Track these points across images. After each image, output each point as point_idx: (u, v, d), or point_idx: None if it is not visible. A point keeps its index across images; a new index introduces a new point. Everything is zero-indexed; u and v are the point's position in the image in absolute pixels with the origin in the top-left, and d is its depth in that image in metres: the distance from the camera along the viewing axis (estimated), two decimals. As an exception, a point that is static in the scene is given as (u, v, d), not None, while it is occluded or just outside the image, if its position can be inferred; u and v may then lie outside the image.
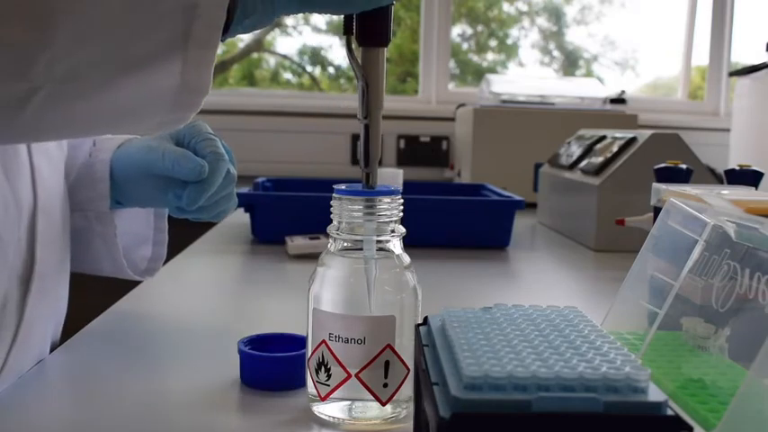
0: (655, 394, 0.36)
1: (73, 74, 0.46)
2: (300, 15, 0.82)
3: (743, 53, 2.51)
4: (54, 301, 0.70)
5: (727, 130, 2.10)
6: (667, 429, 0.35)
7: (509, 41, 2.70)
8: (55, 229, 0.68)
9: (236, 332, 0.64)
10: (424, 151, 2.28)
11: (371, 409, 0.51)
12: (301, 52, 2.65)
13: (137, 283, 0.87)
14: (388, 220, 0.52)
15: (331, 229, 0.52)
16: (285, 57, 2.69)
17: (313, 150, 2.26)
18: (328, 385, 0.50)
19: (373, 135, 0.54)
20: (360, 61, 0.53)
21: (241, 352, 0.58)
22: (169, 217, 0.82)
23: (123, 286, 0.86)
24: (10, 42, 0.43)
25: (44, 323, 0.67)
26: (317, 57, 2.65)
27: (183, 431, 0.51)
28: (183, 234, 1.02)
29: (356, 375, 0.50)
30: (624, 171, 1.26)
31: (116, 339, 0.72)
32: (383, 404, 0.50)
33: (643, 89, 2.74)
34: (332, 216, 0.52)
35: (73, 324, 0.74)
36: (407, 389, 0.51)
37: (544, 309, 0.48)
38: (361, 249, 0.51)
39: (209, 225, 1.35)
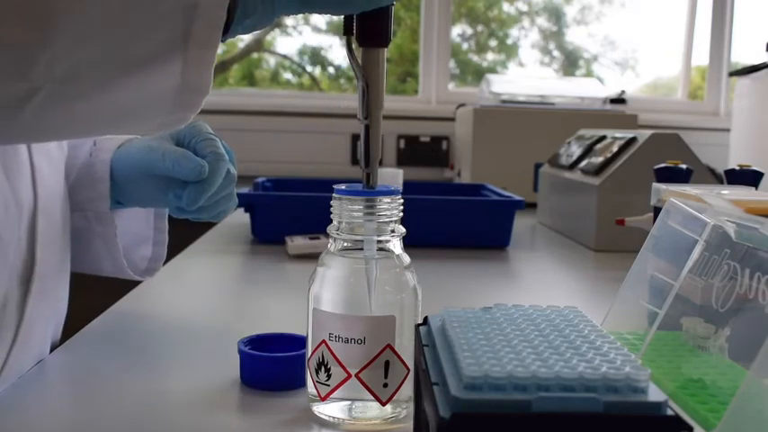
0: (655, 394, 0.36)
1: (73, 74, 0.46)
2: (300, 15, 0.82)
3: (743, 53, 2.51)
4: (54, 302, 0.70)
5: (727, 130, 2.10)
6: (667, 429, 0.35)
7: (509, 41, 2.70)
8: (55, 229, 0.68)
9: (236, 332, 0.64)
10: (424, 151, 2.28)
11: (371, 409, 0.51)
12: (301, 52, 2.65)
13: (137, 283, 0.87)
14: (388, 220, 0.52)
15: (331, 229, 0.52)
16: (285, 57, 2.69)
17: (313, 150, 2.26)
18: (328, 385, 0.50)
19: (373, 135, 0.54)
20: (360, 61, 0.53)
21: (241, 352, 0.58)
22: (169, 217, 0.82)
23: (123, 286, 0.86)
24: (10, 42, 0.43)
25: (44, 323, 0.67)
26: (317, 57, 2.65)
27: (183, 431, 0.51)
28: (183, 234, 1.02)
29: (356, 375, 0.50)
30: (624, 171, 1.26)
31: (116, 339, 0.72)
32: (383, 404, 0.50)
33: (643, 89, 2.74)
34: (332, 216, 0.52)
35: (73, 324, 0.74)
36: (407, 389, 0.51)
37: (544, 309, 0.48)
38: (362, 249, 0.51)
39: (209, 225, 1.35)
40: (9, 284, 0.61)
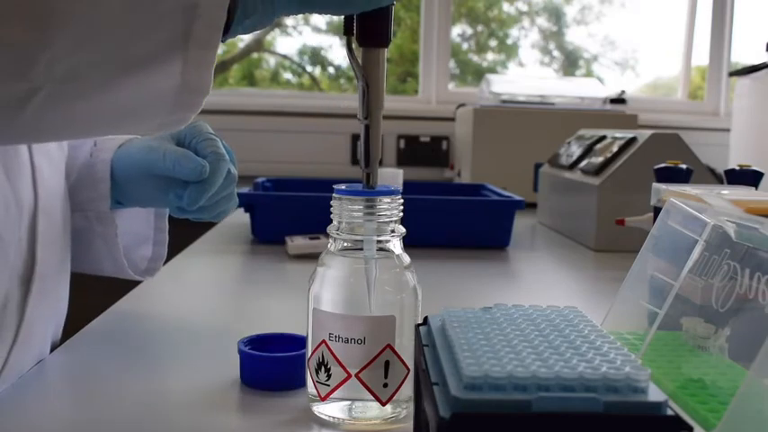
0: (655, 394, 0.36)
1: (73, 74, 0.46)
2: (300, 15, 0.82)
3: (743, 53, 2.51)
4: (55, 302, 0.70)
5: (727, 130, 2.10)
6: (667, 429, 0.35)
7: (509, 41, 2.70)
8: (56, 229, 0.68)
9: (236, 332, 0.64)
10: (424, 151, 2.28)
11: (371, 409, 0.51)
12: (301, 52, 2.65)
13: (137, 283, 0.87)
14: (388, 220, 0.52)
15: (331, 229, 0.52)
16: (285, 57, 2.69)
17: (313, 150, 2.26)
18: (328, 385, 0.50)
19: (373, 135, 0.54)
20: (360, 61, 0.53)
21: (241, 352, 0.58)
22: (169, 217, 0.82)
23: (123, 286, 0.86)
24: (10, 42, 0.43)
25: (45, 323, 0.67)
26: (317, 57, 2.65)
27: (183, 431, 0.51)
28: (183, 234, 1.02)
29: (356, 375, 0.50)
30: (624, 171, 1.26)
31: (116, 339, 0.72)
32: (383, 404, 0.50)
33: (643, 89, 2.74)
34: (332, 216, 0.52)
35: (73, 324, 0.74)
36: (407, 389, 0.51)
37: (544, 309, 0.48)
38: (361, 249, 0.51)
39: (209, 225, 1.35)
40: (9, 284, 0.61)
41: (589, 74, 2.67)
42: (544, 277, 1.11)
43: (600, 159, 1.33)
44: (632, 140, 1.30)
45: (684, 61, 2.57)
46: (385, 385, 0.50)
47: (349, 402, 0.51)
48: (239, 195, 0.77)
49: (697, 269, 0.54)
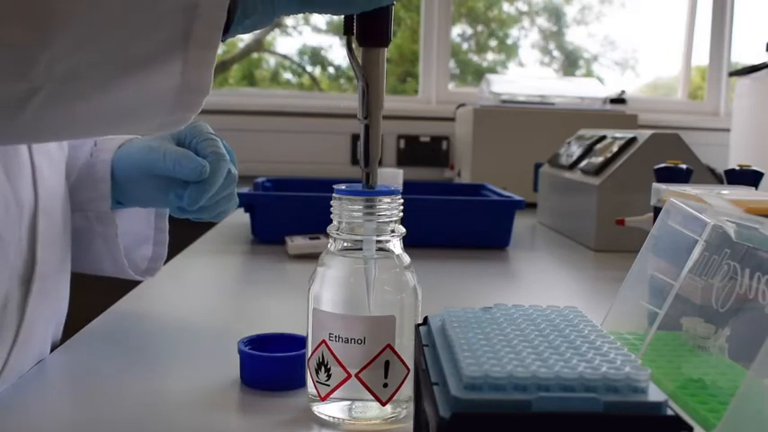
0: (655, 394, 0.36)
1: (73, 74, 0.46)
2: (300, 15, 0.82)
3: (743, 53, 2.51)
4: (55, 302, 0.70)
5: (727, 130, 2.10)
6: (667, 429, 0.35)
7: (509, 41, 2.70)
8: (56, 229, 0.68)
9: (236, 332, 0.64)
10: (424, 151, 2.28)
11: (371, 409, 0.51)
12: (301, 52, 2.65)
13: (137, 283, 0.87)
14: (388, 220, 0.52)
15: (331, 229, 0.52)
16: (285, 57, 2.69)
17: (313, 150, 2.26)
18: (328, 385, 0.50)
19: (373, 135, 0.54)
20: (360, 61, 0.53)
21: (241, 352, 0.58)
22: (169, 217, 0.82)
23: (123, 286, 0.86)
24: (10, 42, 0.43)
25: (45, 323, 0.67)
26: (317, 57, 2.65)
27: (183, 431, 0.51)
28: (183, 234, 1.02)
29: (356, 375, 0.50)
30: (624, 171, 1.26)
31: (116, 339, 0.72)
32: (383, 404, 0.50)
33: (643, 89, 2.74)
34: (332, 216, 0.52)
35: (73, 324, 0.74)
36: (407, 389, 0.51)
37: (544, 309, 0.48)
38: (361, 249, 0.51)
39: (209, 225, 1.35)
40: (10, 284, 0.61)
41: (589, 74, 2.67)
42: (544, 277, 1.11)
43: (600, 159, 1.33)
44: (632, 140, 1.30)
45: (684, 61, 2.57)
46: (385, 385, 0.50)
47: (349, 402, 0.51)
48: (239, 195, 0.77)
49: (697, 269, 0.54)
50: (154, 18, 0.46)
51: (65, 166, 0.72)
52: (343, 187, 0.52)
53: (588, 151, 1.42)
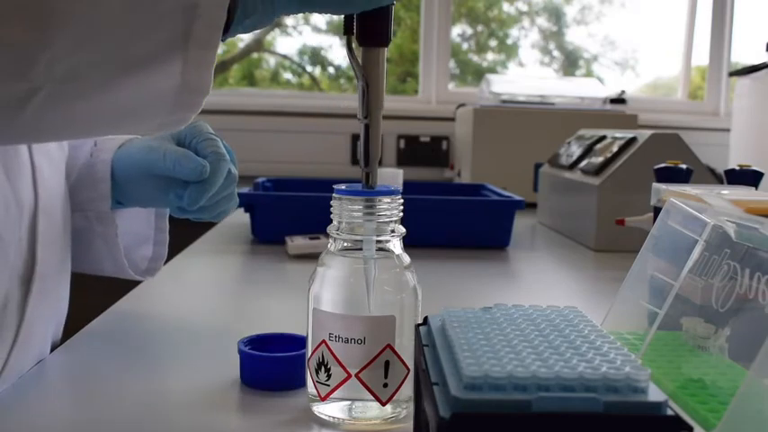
0: (655, 394, 0.36)
1: (73, 74, 0.46)
2: (300, 15, 0.82)
3: (743, 53, 2.51)
4: (55, 302, 0.70)
5: (727, 130, 2.10)
6: (667, 429, 0.35)
7: (509, 41, 2.70)
8: (56, 229, 0.68)
9: (236, 332, 0.64)
10: (424, 151, 2.28)
11: (371, 409, 0.51)
12: (301, 52, 2.65)
13: (137, 283, 0.87)
14: (388, 220, 0.52)
15: (331, 229, 0.52)
16: (285, 57, 2.69)
17: (313, 150, 2.26)
18: (328, 385, 0.50)
19: (373, 135, 0.54)
20: (360, 61, 0.53)
21: (241, 352, 0.58)
22: (169, 217, 0.82)
23: (123, 286, 0.86)
24: (10, 42, 0.43)
25: (45, 323, 0.67)
26: (317, 57, 2.65)
27: (183, 431, 0.51)
28: (183, 234, 1.02)
29: (356, 375, 0.50)
30: (624, 171, 1.26)
31: (116, 339, 0.72)
32: (383, 404, 0.50)
33: (643, 89, 2.74)
34: (332, 216, 0.52)
35: (74, 324, 0.74)
36: (407, 389, 0.51)
37: (544, 309, 0.48)
38: (361, 249, 0.51)
39: (209, 225, 1.35)
40: (10, 284, 0.61)
41: (589, 74, 2.67)
42: (544, 277, 1.11)
43: (600, 159, 1.33)
44: (632, 140, 1.30)
45: (684, 61, 2.57)
46: (385, 385, 0.50)
47: (349, 402, 0.51)
48: (239, 195, 0.77)
49: (697, 269, 0.54)
50: (154, 18, 0.46)
51: (65, 166, 0.72)
52: (343, 187, 0.52)
53: (588, 151, 1.42)
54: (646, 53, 2.69)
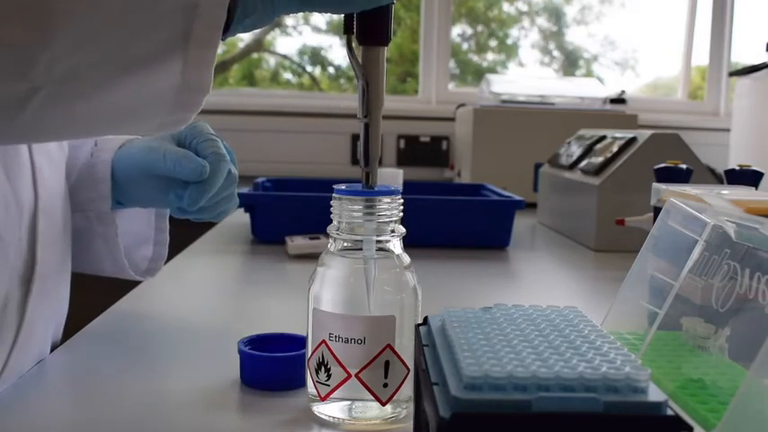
0: (655, 394, 0.36)
1: (73, 74, 0.46)
2: (300, 15, 0.82)
3: (743, 53, 2.51)
4: (55, 302, 0.70)
5: (727, 130, 2.10)
6: (667, 429, 0.35)
7: (509, 41, 2.70)
8: (56, 229, 0.68)
9: (236, 332, 0.64)
10: (424, 151, 2.28)
11: (371, 409, 0.51)
12: (301, 52, 2.65)
13: (137, 283, 0.87)
14: (388, 220, 0.52)
15: (331, 229, 0.52)
16: (285, 57, 2.69)
17: (313, 150, 2.26)
18: (328, 385, 0.50)
19: (373, 134, 0.54)
20: (360, 60, 0.53)
21: (241, 352, 0.58)
22: (169, 217, 0.82)
23: (123, 286, 0.86)
24: (10, 42, 0.43)
25: (45, 323, 0.67)
26: (317, 57, 2.65)
27: (183, 431, 0.51)
28: (183, 234, 1.02)
29: (356, 375, 0.50)
30: (624, 171, 1.26)
31: (116, 339, 0.72)
32: (383, 404, 0.50)
33: (643, 89, 2.74)
34: (332, 216, 0.52)
35: (74, 324, 0.74)
36: (407, 389, 0.51)
37: (544, 309, 0.48)
38: (361, 249, 0.51)
39: (209, 225, 1.35)
40: (10, 284, 0.61)
41: (589, 74, 2.67)
42: (544, 277, 1.11)
43: (600, 159, 1.33)
44: (632, 140, 1.30)
45: (684, 61, 2.57)
46: (385, 385, 0.50)
47: (349, 402, 0.51)
48: (239, 195, 0.77)
49: (697, 269, 0.54)
50: (154, 18, 0.46)
51: (65, 166, 0.72)
52: (343, 187, 0.52)
53: (588, 151, 1.42)
54: (646, 53, 2.69)
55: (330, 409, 0.51)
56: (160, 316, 0.81)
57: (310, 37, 2.66)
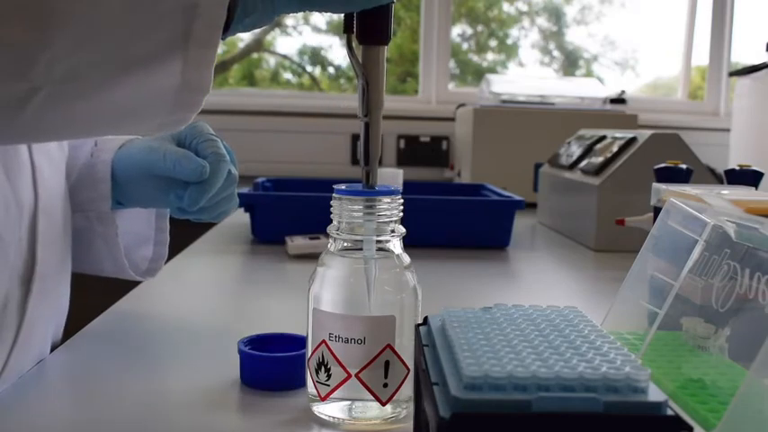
0: (655, 394, 0.36)
1: (73, 74, 0.46)
2: (300, 15, 0.82)
3: (743, 53, 2.51)
4: (55, 302, 0.70)
5: (727, 130, 2.10)
6: (667, 429, 0.35)
7: (509, 41, 2.70)
8: (56, 229, 0.68)
9: (236, 332, 0.64)
10: (424, 151, 2.28)
11: (371, 409, 0.51)
12: (301, 52, 2.65)
13: (137, 283, 0.87)
14: (388, 220, 0.52)
15: (331, 229, 0.52)
16: (285, 57, 2.69)
17: (313, 150, 2.26)
18: (328, 385, 0.50)
19: (373, 133, 0.54)
20: (360, 60, 0.53)
21: (241, 352, 0.58)
22: (169, 217, 0.82)
23: (123, 286, 0.86)
24: (10, 42, 0.43)
25: (45, 323, 0.67)
26: (317, 57, 2.65)
27: (183, 431, 0.51)
28: (183, 234, 1.02)
29: (356, 375, 0.50)
30: (624, 171, 1.26)
31: (116, 339, 0.72)
32: (383, 404, 0.50)
33: (643, 89, 2.74)
34: (332, 216, 0.52)
35: (74, 324, 0.74)
36: (407, 389, 0.51)
37: (544, 309, 0.48)
38: (361, 249, 0.51)
39: (209, 225, 1.35)
40: (10, 284, 0.61)
41: (589, 74, 2.67)
42: (544, 277, 1.11)
43: (600, 159, 1.33)
44: (632, 140, 1.30)
45: (684, 61, 2.57)
46: (385, 385, 0.50)
47: (349, 402, 0.51)
48: (239, 195, 0.77)
49: (697, 269, 0.54)
50: (154, 18, 0.46)
51: (65, 166, 0.72)
52: (343, 187, 0.52)
53: (588, 151, 1.42)
54: (646, 53, 2.70)
55: (330, 409, 0.51)
56: (160, 316, 0.81)
57: (310, 37, 2.67)
